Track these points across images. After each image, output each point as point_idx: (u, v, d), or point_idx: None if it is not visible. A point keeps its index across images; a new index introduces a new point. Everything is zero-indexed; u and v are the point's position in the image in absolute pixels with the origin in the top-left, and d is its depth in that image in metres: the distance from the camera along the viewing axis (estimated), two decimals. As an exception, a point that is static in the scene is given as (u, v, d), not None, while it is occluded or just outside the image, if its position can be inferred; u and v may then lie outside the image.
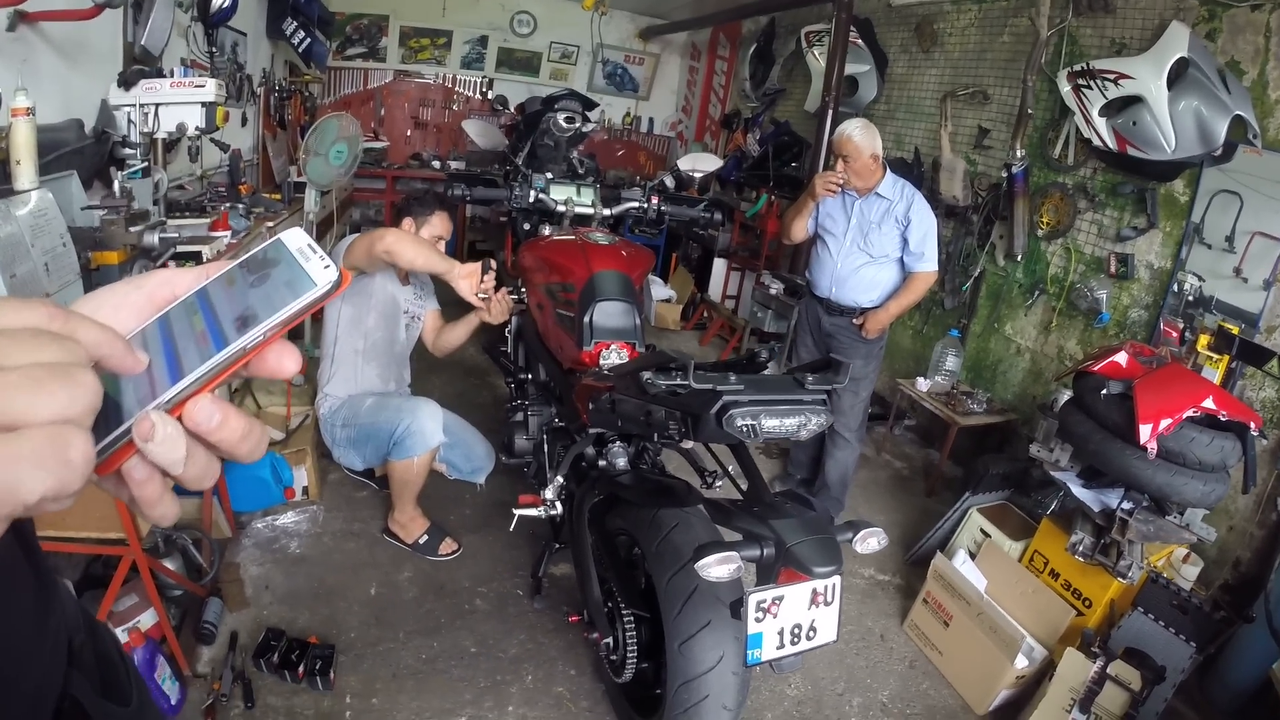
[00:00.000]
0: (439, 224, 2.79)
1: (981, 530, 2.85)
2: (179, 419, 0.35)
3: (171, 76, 2.63)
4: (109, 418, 0.34)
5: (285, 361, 0.37)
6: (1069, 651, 2.23)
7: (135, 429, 0.34)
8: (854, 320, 3.18)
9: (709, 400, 1.42)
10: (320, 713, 2.04)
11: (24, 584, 0.39)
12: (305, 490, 2.91)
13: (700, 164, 3.52)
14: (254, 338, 0.35)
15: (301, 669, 2.07)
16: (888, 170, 3.08)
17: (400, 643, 2.31)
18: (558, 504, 2.17)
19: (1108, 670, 2.14)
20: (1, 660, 0.35)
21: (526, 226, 3.08)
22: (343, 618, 2.38)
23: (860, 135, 2.97)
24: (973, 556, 2.76)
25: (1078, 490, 2.51)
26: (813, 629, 1.44)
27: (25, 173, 1.81)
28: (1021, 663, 2.31)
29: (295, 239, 0.37)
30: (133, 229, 2.13)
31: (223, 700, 1.98)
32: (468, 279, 2.52)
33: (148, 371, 0.35)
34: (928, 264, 3.06)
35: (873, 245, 3.09)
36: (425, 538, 2.75)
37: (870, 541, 1.48)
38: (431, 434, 2.58)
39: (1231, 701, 2.52)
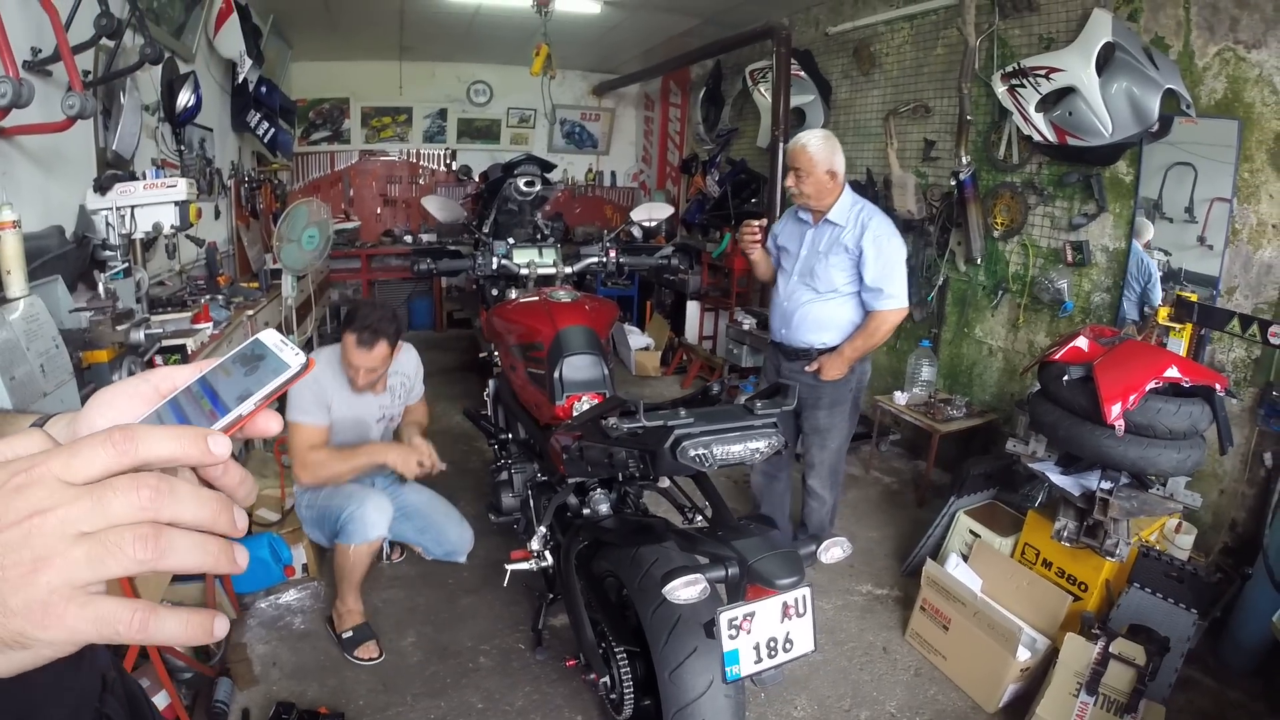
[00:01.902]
0: (359, 357, 2.47)
1: (971, 531, 2.88)
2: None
3: (144, 178, 2.73)
4: None
5: (270, 423, 0.46)
6: (1069, 636, 2.25)
7: None
8: (806, 368, 2.77)
9: (662, 436, 1.50)
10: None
11: None
12: (304, 567, 2.94)
13: (654, 213, 3.60)
14: (249, 406, 0.44)
15: (313, 740, 2.09)
16: (846, 190, 2.71)
17: (409, 706, 2.32)
18: (546, 554, 2.21)
19: (1110, 649, 2.15)
20: (47, 676, 0.41)
21: (495, 292, 3.18)
22: (350, 687, 2.40)
23: (816, 146, 2.61)
24: (965, 558, 2.78)
25: (1056, 478, 2.54)
26: (789, 641, 1.48)
27: (15, 282, 1.90)
28: (1024, 655, 2.32)
29: (270, 337, 0.47)
30: (119, 327, 2.20)
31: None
32: (401, 464, 2.55)
33: None
34: (889, 301, 2.62)
35: (818, 279, 2.70)
36: (350, 634, 2.57)
37: (834, 551, 1.53)
38: (373, 526, 2.48)
39: (1247, 662, 2.52)
